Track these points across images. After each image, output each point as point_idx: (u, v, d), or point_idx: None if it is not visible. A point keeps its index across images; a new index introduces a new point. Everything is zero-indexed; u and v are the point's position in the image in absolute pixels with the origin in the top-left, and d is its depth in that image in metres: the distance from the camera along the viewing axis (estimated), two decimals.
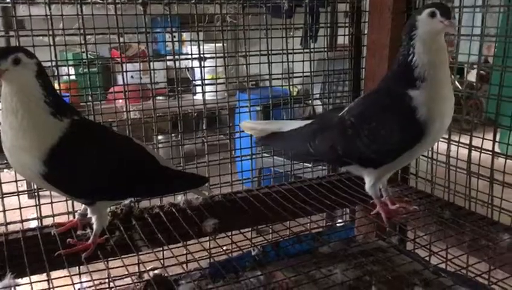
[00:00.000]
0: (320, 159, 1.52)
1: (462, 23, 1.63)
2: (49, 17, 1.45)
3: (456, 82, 1.85)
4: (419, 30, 1.23)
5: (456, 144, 1.62)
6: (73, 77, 1.81)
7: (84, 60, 1.56)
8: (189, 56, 1.72)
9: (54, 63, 1.48)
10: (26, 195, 1.56)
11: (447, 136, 1.63)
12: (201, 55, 1.68)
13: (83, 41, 1.50)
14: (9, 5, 1.54)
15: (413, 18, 1.25)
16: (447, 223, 1.43)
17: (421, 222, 1.47)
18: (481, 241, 1.34)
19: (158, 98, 1.66)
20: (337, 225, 2.07)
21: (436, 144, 1.66)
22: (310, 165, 1.97)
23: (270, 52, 1.79)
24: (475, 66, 1.69)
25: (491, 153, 1.51)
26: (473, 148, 1.56)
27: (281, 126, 1.49)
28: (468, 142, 1.57)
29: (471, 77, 2.08)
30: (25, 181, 1.56)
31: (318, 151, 1.38)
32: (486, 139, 1.52)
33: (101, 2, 1.53)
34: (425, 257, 1.40)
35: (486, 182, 1.53)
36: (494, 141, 1.51)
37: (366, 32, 1.91)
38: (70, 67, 1.71)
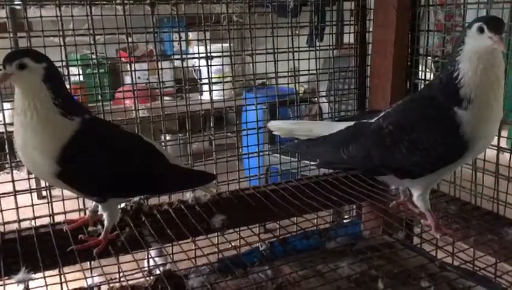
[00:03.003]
0: (353, 167, 1.44)
1: (467, 20, 1.64)
2: (59, 18, 1.47)
3: None
4: (466, 46, 1.14)
5: None
6: (80, 78, 1.85)
7: (93, 60, 1.59)
8: (196, 55, 1.74)
9: (64, 64, 1.51)
10: (36, 196, 1.59)
11: None
12: (208, 54, 1.71)
13: (92, 42, 1.53)
14: (18, 7, 1.57)
15: (463, 32, 1.16)
16: (453, 218, 1.45)
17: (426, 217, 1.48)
18: (487, 236, 1.35)
19: (165, 98, 1.69)
20: (344, 221, 2.08)
21: None
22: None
23: (276, 50, 1.81)
24: None
25: (496, 148, 1.53)
26: None
27: (310, 127, 1.44)
28: None
29: None
30: (34, 181, 1.59)
31: (352, 159, 1.30)
32: None
33: (109, 2, 1.55)
34: (431, 251, 1.41)
35: (491, 177, 1.54)
36: (499, 136, 1.52)
37: (371, 29, 1.92)
38: (78, 69, 1.74)
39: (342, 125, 1.37)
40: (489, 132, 1.21)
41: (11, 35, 1.54)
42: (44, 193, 1.58)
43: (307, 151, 1.44)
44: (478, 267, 1.25)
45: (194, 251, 1.38)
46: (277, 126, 1.49)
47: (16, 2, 2.15)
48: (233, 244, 1.35)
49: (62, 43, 1.50)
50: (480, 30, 1.11)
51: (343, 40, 2.13)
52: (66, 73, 1.52)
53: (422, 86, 1.83)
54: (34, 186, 1.56)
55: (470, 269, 1.29)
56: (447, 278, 1.25)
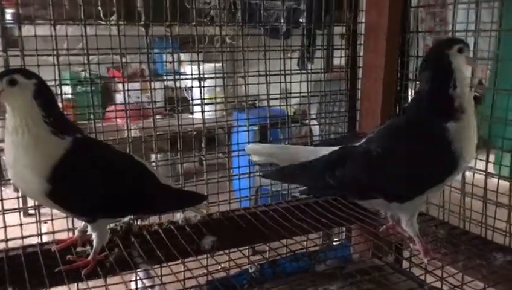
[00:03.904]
0: (341, 192, 1.41)
1: None
2: (53, 37, 1.48)
3: None
4: (455, 64, 1.24)
5: None
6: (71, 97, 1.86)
7: (86, 79, 1.59)
8: (189, 76, 1.75)
9: (57, 82, 1.51)
10: (22, 213, 1.57)
11: None
12: (201, 75, 1.72)
13: (86, 62, 1.53)
14: (11, 25, 1.57)
15: (442, 52, 1.25)
16: (442, 242, 1.46)
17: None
18: (475, 261, 1.36)
19: (157, 117, 1.69)
20: (334, 243, 2.08)
21: None
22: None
23: (268, 72, 1.83)
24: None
25: (484, 173, 1.55)
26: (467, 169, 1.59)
27: (292, 152, 1.38)
28: None
29: None
30: (21, 199, 1.57)
31: (340, 183, 1.27)
32: (479, 159, 1.56)
33: (104, 23, 1.56)
34: (420, 275, 1.41)
35: (480, 202, 1.56)
36: (487, 161, 1.54)
37: (361, 54, 1.95)
38: (68, 87, 1.73)
39: (326, 150, 1.32)
40: (472, 148, 1.26)
41: (3, 54, 1.54)
42: (31, 211, 1.56)
43: (290, 178, 1.38)
44: None
45: (183, 272, 1.37)
46: (256, 150, 1.39)
47: (8, 20, 2.16)
48: (222, 266, 1.35)
49: (56, 62, 1.50)
50: (460, 50, 1.25)
51: (333, 63, 2.16)
52: (58, 92, 1.52)
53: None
54: (21, 205, 1.54)
55: None
56: None
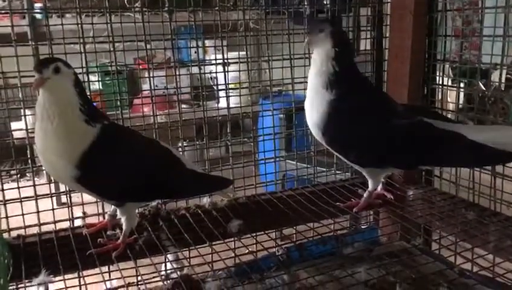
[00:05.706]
0: None
1: (484, 25, 1.63)
2: (80, 26, 1.50)
3: (481, 84, 1.84)
4: None
5: None
6: (98, 86, 1.88)
7: (112, 66, 1.61)
8: (213, 62, 1.76)
9: (84, 70, 1.54)
10: (56, 202, 1.61)
11: None
12: (226, 60, 1.72)
13: (112, 49, 1.55)
14: (39, 16, 1.60)
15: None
16: (472, 224, 1.43)
17: (445, 223, 1.47)
18: (506, 242, 1.33)
19: (182, 105, 1.70)
20: (361, 226, 2.07)
21: None
22: (333, 169, 1.98)
23: (292, 56, 1.82)
24: (498, 67, 1.69)
25: None
26: None
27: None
28: None
29: (495, 77, 2.07)
30: (54, 186, 1.61)
31: None
32: None
33: (128, 11, 1.58)
34: (450, 257, 1.39)
35: (511, 184, 1.52)
36: None
37: (387, 35, 1.92)
38: (98, 76, 1.76)
39: None
40: None
41: (33, 44, 1.57)
42: (63, 200, 1.60)
43: None
44: (497, 274, 1.23)
45: (211, 255, 1.39)
46: None
47: (36, 11, 2.21)
48: (249, 249, 1.36)
49: (83, 50, 1.52)
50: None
51: (359, 46, 2.13)
52: (86, 80, 1.55)
53: (440, 92, 1.83)
54: (53, 191, 1.58)
55: (489, 276, 1.27)
56: (466, 285, 1.23)
